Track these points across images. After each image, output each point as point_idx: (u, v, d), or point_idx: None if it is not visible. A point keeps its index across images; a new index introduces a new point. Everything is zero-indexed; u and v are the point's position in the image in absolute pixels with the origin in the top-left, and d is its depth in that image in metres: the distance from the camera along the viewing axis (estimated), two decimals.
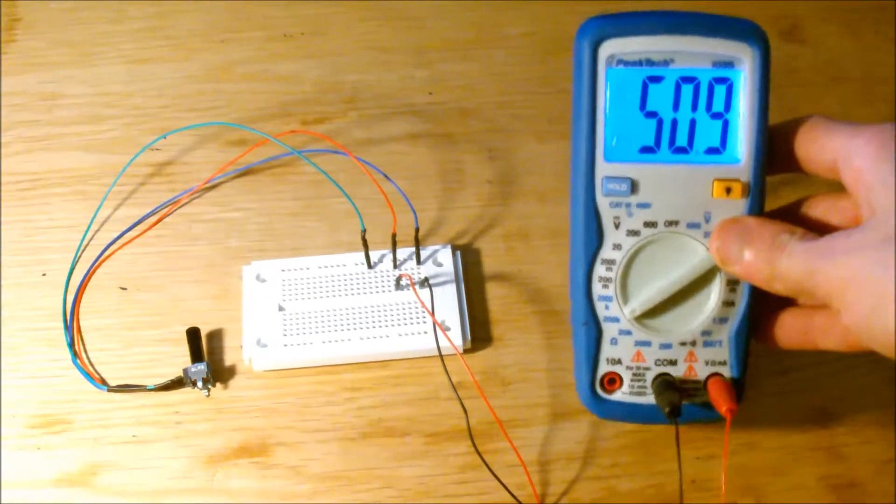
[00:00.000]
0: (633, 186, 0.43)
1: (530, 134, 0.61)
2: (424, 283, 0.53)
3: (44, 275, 0.56)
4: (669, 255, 0.44)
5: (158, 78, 0.64)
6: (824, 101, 0.62)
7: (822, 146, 0.41)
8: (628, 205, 0.43)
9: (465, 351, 0.52)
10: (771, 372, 0.51)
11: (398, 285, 0.54)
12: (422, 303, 0.53)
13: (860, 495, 0.48)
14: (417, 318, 0.53)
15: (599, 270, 0.44)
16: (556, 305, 0.54)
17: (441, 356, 0.50)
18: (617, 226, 0.44)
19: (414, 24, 0.67)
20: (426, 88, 0.64)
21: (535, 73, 0.64)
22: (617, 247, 0.44)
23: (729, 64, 0.42)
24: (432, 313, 0.52)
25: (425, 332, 0.52)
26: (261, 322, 0.53)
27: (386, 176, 0.55)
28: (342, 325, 0.52)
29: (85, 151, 0.61)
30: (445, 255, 0.55)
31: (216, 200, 0.59)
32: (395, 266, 0.54)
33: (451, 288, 0.54)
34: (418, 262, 0.55)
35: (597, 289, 0.45)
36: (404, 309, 0.53)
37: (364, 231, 0.52)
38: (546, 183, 0.59)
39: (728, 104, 0.42)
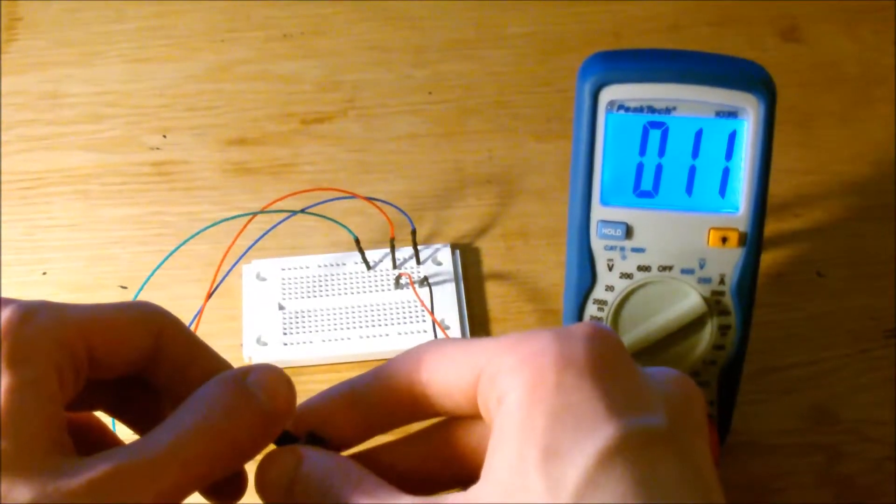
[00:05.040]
0: (628, 231, 0.42)
1: (529, 133, 0.61)
2: (424, 282, 0.53)
3: (44, 273, 0.56)
4: (662, 299, 0.43)
5: (158, 77, 0.64)
6: (823, 102, 0.62)
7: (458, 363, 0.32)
8: (622, 248, 0.42)
9: None
10: (770, 369, 0.51)
11: (398, 284, 0.54)
12: (421, 302, 0.53)
13: (859, 494, 0.47)
14: (417, 316, 0.53)
15: (591, 309, 0.44)
16: (555, 304, 0.54)
17: None
18: (610, 268, 0.43)
19: (413, 24, 0.67)
20: (426, 88, 0.64)
21: (534, 72, 0.64)
22: (609, 288, 0.43)
23: (733, 114, 0.40)
24: (432, 312, 0.52)
25: (425, 331, 0.52)
26: (261, 320, 0.53)
27: (387, 203, 0.55)
28: (342, 323, 0.52)
29: (85, 150, 0.61)
30: (445, 255, 0.55)
31: (216, 199, 0.59)
32: (395, 267, 0.54)
33: (451, 287, 0.54)
34: (418, 262, 0.55)
35: None
36: (404, 308, 0.53)
37: (357, 240, 0.53)
38: (545, 182, 0.59)
39: (730, 152, 0.41)
